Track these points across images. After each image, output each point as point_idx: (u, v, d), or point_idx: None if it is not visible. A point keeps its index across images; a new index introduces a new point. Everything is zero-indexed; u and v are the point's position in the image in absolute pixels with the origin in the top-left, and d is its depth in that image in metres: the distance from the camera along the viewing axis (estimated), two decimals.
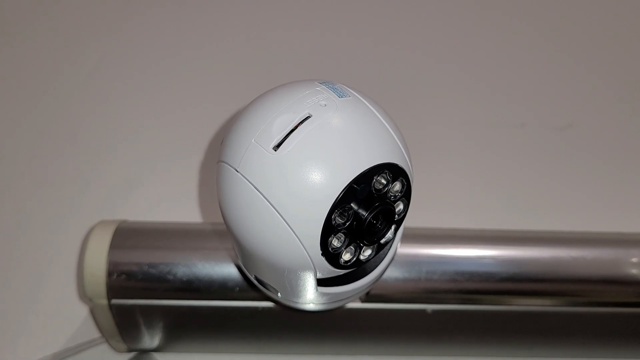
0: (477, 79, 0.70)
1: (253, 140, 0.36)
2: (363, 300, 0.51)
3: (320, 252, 0.36)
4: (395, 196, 0.38)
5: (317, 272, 0.38)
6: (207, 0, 0.71)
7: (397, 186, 0.38)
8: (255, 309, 0.51)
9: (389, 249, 0.44)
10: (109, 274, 0.50)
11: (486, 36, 0.72)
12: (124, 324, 0.52)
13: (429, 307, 0.52)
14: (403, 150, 0.38)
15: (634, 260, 0.53)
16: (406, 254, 0.51)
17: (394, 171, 0.37)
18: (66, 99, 0.67)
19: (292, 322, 0.52)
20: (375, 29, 0.72)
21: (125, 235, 0.51)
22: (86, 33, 0.69)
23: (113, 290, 0.50)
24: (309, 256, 0.36)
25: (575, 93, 0.70)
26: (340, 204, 0.35)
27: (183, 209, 0.62)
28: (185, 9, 0.71)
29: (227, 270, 0.50)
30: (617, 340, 0.55)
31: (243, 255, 0.42)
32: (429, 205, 0.61)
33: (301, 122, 0.36)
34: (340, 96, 0.37)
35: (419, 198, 0.52)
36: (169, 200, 0.63)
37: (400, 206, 0.39)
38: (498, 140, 0.68)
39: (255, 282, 0.45)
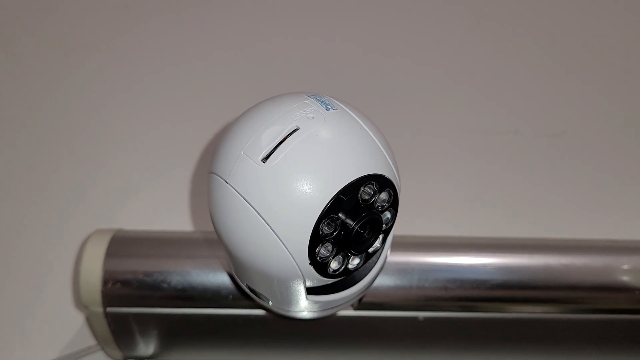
0: (470, 86, 0.71)
1: (242, 152, 0.37)
2: (355, 308, 0.52)
3: (309, 261, 0.37)
4: (382, 206, 0.38)
5: (306, 281, 0.39)
6: (200, 14, 0.71)
7: (384, 196, 0.38)
8: (249, 316, 0.52)
9: (378, 258, 0.44)
10: (105, 282, 0.50)
11: (479, 43, 0.72)
12: (119, 331, 0.52)
13: (421, 314, 0.52)
14: (390, 161, 0.39)
15: (625, 267, 0.53)
16: (398, 262, 0.52)
17: (381, 182, 0.38)
18: (62, 109, 0.68)
19: (285, 330, 0.53)
20: (366, 37, 0.72)
21: (121, 244, 0.52)
22: (83, 43, 0.70)
23: (108, 298, 0.50)
24: (297, 265, 0.37)
25: (569, 100, 0.71)
26: (327, 214, 0.36)
27: (179, 218, 0.63)
28: (179, 22, 0.72)
29: (221, 278, 0.51)
30: (608, 347, 0.56)
31: (234, 264, 0.43)
32: (422, 212, 0.62)
33: (289, 135, 0.36)
34: (328, 109, 0.38)
35: (411, 205, 0.53)
36: (165, 209, 0.63)
37: (387, 216, 0.39)
38: (491, 147, 0.68)
39: (247, 290, 0.45)
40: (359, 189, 0.37)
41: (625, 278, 0.53)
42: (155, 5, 0.72)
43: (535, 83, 0.71)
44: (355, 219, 0.37)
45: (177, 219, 0.63)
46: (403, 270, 0.52)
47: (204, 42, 0.71)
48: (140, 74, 0.70)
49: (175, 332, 0.53)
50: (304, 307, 0.44)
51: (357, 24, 0.73)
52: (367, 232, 0.38)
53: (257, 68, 0.70)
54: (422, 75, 0.71)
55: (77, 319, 0.60)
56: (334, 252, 0.38)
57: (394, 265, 0.51)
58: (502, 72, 0.71)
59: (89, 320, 0.56)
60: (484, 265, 0.53)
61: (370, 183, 0.37)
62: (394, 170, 0.39)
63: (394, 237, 0.45)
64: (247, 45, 0.71)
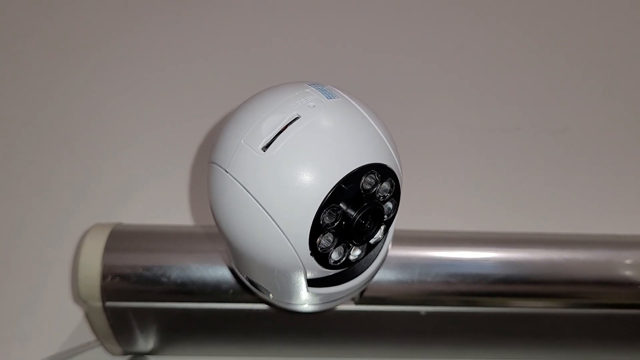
0: (473, 82, 0.71)
1: (242, 141, 0.36)
2: (356, 302, 0.51)
3: (309, 251, 0.36)
4: (384, 196, 0.38)
5: (307, 272, 0.39)
6: (200, 14, 0.72)
7: (386, 186, 0.38)
8: (249, 311, 0.51)
9: (380, 250, 0.44)
10: (104, 276, 0.50)
11: (482, 40, 0.72)
12: (118, 326, 0.52)
13: (423, 309, 0.52)
14: (392, 150, 0.38)
15: (628, 262, 0.53)
16: (399, 256, 0.52)
17: (383, 171, 0.37)
18: (62, 106, 0.68)
19: (286, 324, 0.53)
20: (370, 34, 0.72)
21: (120, 238, 0.51)
22: (83, 43, 0.70)
23: (107, 292, 0.50)
24: (298, 256, 0.37)
25: (571, 97, 0.71)
26: (328, 204, 0.36)
27: (179, 212, 0.63)
28: (179, 22, 0.72)
29: (221, 272, 0.51)
30: (609, 342, 0.55)
31: (234, 256, 0.42)
32: (424, 208, 0.62)
33: (290, 123, 0.36)
34: (329, 97, 0.38)
35: (414, 201, 0.52)
36: (164, 203, 0.63)
37: (389, 206, 0.39)
38: (493, 144, 0.68)
39: (248, 283, 0.45)
40: (361, 179, 0.36)
41: (627, 273, 0.53)
42: (155, 5, 0.72)
43: (537, 80, 0.71)
44: (357, 209, 0.37)
45: (178, 213, 0.63)
46: (405, 264, 0.52)
47: (204, 42, 0.71)
48: (140, 74, 0.70)
49: (175, 327, 0.53)
50: (304, 299, 0.43)
51: (357, 24, 0.73)
52: (368, 222, 0.38)
53: (257, 68, 0.70)
54: (424, 73, 0.71)
55: (77, 314, 0.60)
56: (335, 243, 0.37)
57: (395, 259, 0.51)
58: (504, 69, 0.71)
59: (88, 315, 0.55)
60: (486, 260, 0.53)
61: (371, 172, 0.37)
62: (396, 161, 0.39)
63: (396, 231, 0.45)
64: (247, 45, 0.71)
